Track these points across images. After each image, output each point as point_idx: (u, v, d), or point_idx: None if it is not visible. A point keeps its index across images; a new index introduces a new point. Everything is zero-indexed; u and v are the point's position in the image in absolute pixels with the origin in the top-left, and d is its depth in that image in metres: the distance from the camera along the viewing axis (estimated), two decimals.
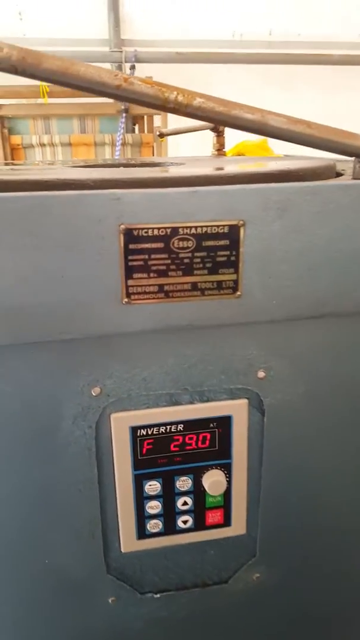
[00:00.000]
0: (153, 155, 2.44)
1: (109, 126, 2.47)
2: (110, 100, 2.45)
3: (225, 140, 1.06)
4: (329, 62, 2.50)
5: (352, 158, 0.48)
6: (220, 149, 1.04)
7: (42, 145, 2.44)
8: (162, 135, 1.02)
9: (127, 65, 2.37)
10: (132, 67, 2.36)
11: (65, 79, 0.43)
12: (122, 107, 2.33)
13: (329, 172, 0.58)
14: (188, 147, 2.31)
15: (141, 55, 2.36)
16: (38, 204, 0.38)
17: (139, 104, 0.45)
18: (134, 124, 2.53)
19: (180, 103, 0.44)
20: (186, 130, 0.99)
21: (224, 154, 1.05)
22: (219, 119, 0.46)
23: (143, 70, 2.38)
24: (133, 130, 2.49)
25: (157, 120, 2.43)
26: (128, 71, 2.37)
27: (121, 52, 2.35)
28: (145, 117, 2.44)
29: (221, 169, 0.59)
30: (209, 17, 2.43)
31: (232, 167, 0.59)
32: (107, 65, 2.45)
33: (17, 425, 0.45)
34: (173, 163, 0.75)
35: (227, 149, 1.09)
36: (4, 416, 0.44)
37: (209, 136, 1.12)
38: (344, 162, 0.63)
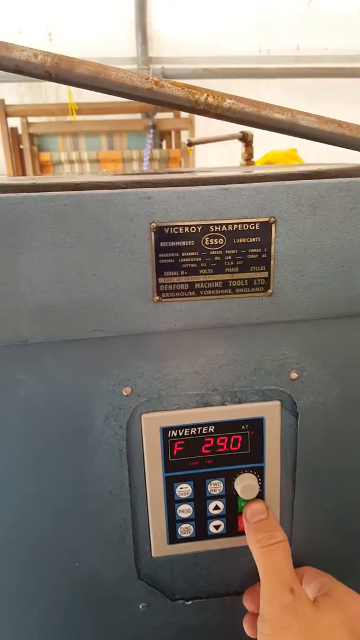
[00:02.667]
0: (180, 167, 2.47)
1: (136, 142, 2.52)
2: (138, 117, 2.51)
3: (253, 150, 1.07)
4: (357, 75, 2.49)
5: None
6: (249, 159, 1.04)
7: (71, 161, 2.51)
8: (190, 144, 1.03)
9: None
10: None
11: (97, 84, 0.44)
12: (150, 123, 2.38)
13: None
14: (216, 160, 2.33)
15: (168, 72, 2.42)
16: (71, 202, 0.39)
17: (170, 107, 0.46)
18: (162, 140, 2.58)
19: (211, 104, 0.45)
20: (214, 140, 1.00)
21: (253, 164, 1.05)
22: (249, 120, 0.46)
23: None
24: (160, 146, 2.54)
25: (185, 135, 2.47)
26: None
27: (149, 69, 2.41)
28: (173, 132, 2.49)
29: (250, 172, 0.59)
30: (235, 33, 2.47)
31: (262, 170, 0.59)
32: None
33: (49, 424, 0.45)
34: (202, 171, 0.76)
35: (255, 158, 1.10)
36: (36, 413, 0.45)
37: (237, 148, 1.13)
38: None
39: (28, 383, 0.44)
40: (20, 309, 0.40)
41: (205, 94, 0.45)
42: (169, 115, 2.46)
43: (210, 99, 0.45)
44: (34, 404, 0.44)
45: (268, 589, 0.43)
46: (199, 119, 2.41)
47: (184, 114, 2.48)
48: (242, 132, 1.01)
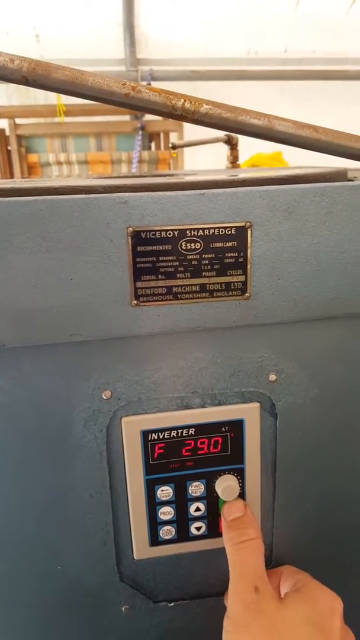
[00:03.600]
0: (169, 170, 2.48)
1: (125, 144, 2.52)
2: (127, 118, 2.51)
3: (239, 152, 1.07)
4: (345, 78, 2.52)
5: None
6: (234, 162, 1.05)
7: (59, 163, 2.50)
8: (174, 147, 1.04)
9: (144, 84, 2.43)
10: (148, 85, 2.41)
11: (74, 89, 0.44)
12: (139, 124, 2.39)
13: (340, 178, 0.58)
14: (204, 162, 2.34)
15: (157, 73, 2.42)
16: (47, 207, 0.39)
17: (148, 112, 0.46)
18: (151, 141, 2.58)
19: (188, 110, 0.45)
20: (198, 143, 1.00)
21: (238, 166, 1.06)
22: (226, 125, 0.46)
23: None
24: (149, 148, 2.54)
25: (174, 136, 2.48)
26: None
27: (137, 71, 2.41)
28: (162, 133, 2.49)
29: (232, 176, 0.60)
30: (224, 36, 2.48)
31: (241, 174, 0.60)
32: None
33: (28, 429, 0.45)
34: (185, 174, 0.76)
35: (241, 161, 1.10)
36: (15, 418, 0.45)
37: (224, 150, 1.14)
38: (356, 170, 0.64)
39: (6, 388, 0.44)
40: None
41: (182, 100, 0.45)
42: (158, 117, 2.46)
43: (187, 104, 0.45)
44: (12, 409, 0.44)
45: (233, 587, 0.43)
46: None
47: None
48: (227, 135, 1.02)
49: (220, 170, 0.90)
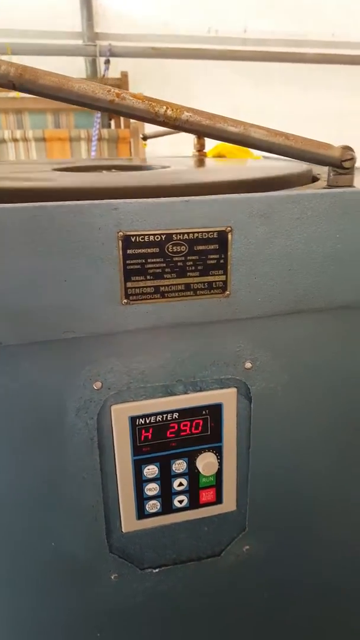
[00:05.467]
0: (130, 151, 2.45)
1: (84, 121, 2.46)
2: None
3: (205, 141, 1.10)
4: (303, 60, 2.55)
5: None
6: (200, 150, 1.07)
7: (15, 140, 2.42)
8: (145, 138, 1.05)
9: (102, 60, 2.37)
10: (107, 62, 2.36)
11: (60, 94, 0.46)
12: None
13: (307, 178, 0.63)
14: (166, 145, 2.34)
15: (116, 49, 2.37)
16: (42, 213, 0.41)
17: (131, 118, 0.49)
18: (110, 119, 2.54)
19: (170, 117, 0.48)
20: (168, 132, 1.02)
21: (205, 155, 1.08)
22: (205, 132, 0.50)
23: (118, 65, 2.39)
24: (109, 126, 2.50)
25: None
26: (102, 65, 2.37)
27: (95, 45, 2.35)
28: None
29: (211, 175, 0.63)
30: (184, 12, 2.44)
31: (219, 174, 0.63)
32: (81, 59, 2.44)
33: (25, 420, 0.48)
34: (162, 165, 0.78)
35: (207, 149, 1.13)
36: (12, 411, 0.48)
37: (187, 135, 1.15)
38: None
39: (2, 382, 0.46)
40: None
41: (165, 107, 0.48)
42: None
43: (169, 112, 0.48)
44: (7, 401, 0.47)
45: None
46: None
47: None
48: None
49: (190, 162, 0.93)
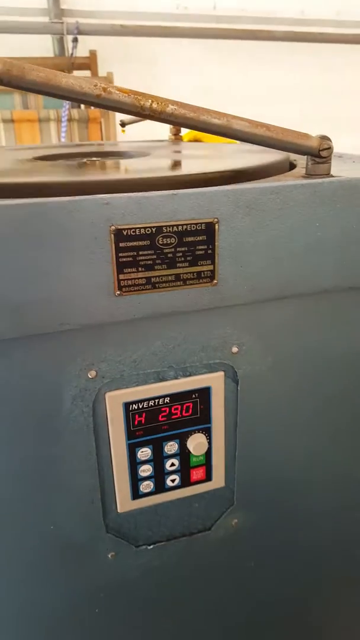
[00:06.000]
0: (101, 133, 2.41)
1: (53, 101, 2.40)
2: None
3: None
4: (272, 38, 2.54)
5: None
6: (177, 134, 1.08)
7: None
8: (123, 125, 1.04)
9: (70, 38, 2.31)
10: (75, 40, 2.30)
11: (48, 90, 0.46)
12: None
13: (286, 165, 0.65)
14: (136, 126, 2.31)
15: (83, 27, 2.30)
16: (37, 210, 0.42)
17: (118, 111, 0.49)
18: None
19: (155, 110, 0.49)
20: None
21: (181, 139, 1.09)
22: (189, 124, 0.51)
23: (86, 44, 2.33)
24: (79, 106, 2.44)
25: None
26: (70, 44, 2.31)
27: (62, 23, 2.28)
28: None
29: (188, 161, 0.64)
30: None
31: (204, 164, 0.64)
32: (48, 37, 2.37)
33: (23, 409, 0.50)
34: (139, 154, 0.79)
35: (182, 132, 1.13)
36: (9, 402, 0.49)
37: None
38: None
39: (0, 375, 0.47)
40: None
41: (150, 100, 0.49)
42: (87, 73, 2.36)
43: (154, 105, 0.49)
44: (8, 392, 0.48)
45: None
46: (117, 78, 2.34)
47: (102, 72, 2.39)
48: None
49: (167, 147, 0.93)
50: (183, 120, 0.50)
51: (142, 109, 0.49)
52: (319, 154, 0.55)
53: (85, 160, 0.76)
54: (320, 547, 0.72)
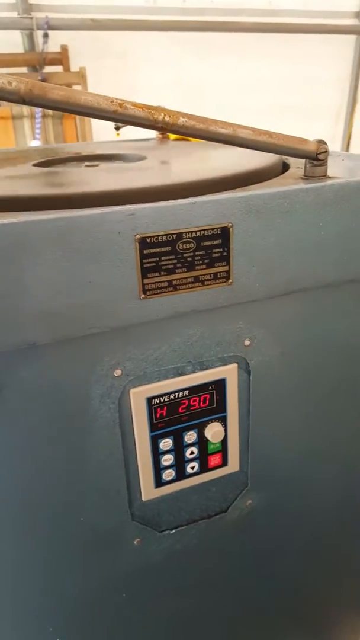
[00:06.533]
0: (76, 130, 2.40)
1: None
2: (25, 70, 2.36)
3: None
4: (241, 29, 2.57)
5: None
6: (163, 133, 1.10)
7: None
8: (118, 127, 1.06)
9: (40, 33, 2.28)
10: (45, 35, 2.27)
11: (68, 107, 0.49)
12: (39, 77, 2.26)
13: (280, 166, 0.69)
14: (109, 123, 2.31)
15: (54, 22, 2.28)
16: (68, 223, 0.45)
17: (133, 125, 0.52)
18: None
19: (167, 122, 0.52)
20: None
21: (168, 137, 1.11)
22: (199, 135, 0.54)
23: (57, 38, 2.31)
24: None
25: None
26: (41, 39, 2.28)
27: (31, 18, 2.25)
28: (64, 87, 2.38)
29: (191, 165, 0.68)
30: None
31: (211, 168, 0.67)
32: (18, 33, 2.33)
33: (55, 409, 0.53)
34: (136, 157, 0.82)
35: None
36: (44, 402, 0.52)
37: None
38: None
39: (30, 378, 0.50)
40: (27, 318, 0.46)
41: (163, 114, 0.52)
42: (59, 68, 2.34)
43: (167, 118, 0.52)
44: (41, 395, 0.51)
45: None
46: (90, 73, 2.34)
47: (75, 67, 2.38)
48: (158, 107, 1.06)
49: (159, 147, 0.96)
50: (193, 131, 0.54)
51: (155, 122, 0.52)
52: (317, 157, 0.59)
53: (84, 164, 0.78)
54: (330, 522, 0.78)
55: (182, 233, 0.49)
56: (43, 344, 0.48)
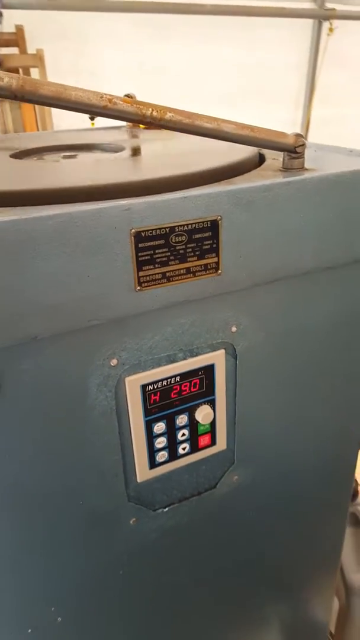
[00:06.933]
0: (36, 116, 2.34)
1: None
2: None
3: None
4: (201, 12, 2.56)
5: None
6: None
7: None
8: (93, 117, 1.05)
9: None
10: None
11: (59, 102, 0.50)
12: None
13: (257, 158, 0.72)
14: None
15: (8, 0, 2.19)
16: (67, 219, 0.46)
17: (123, 120, 0.53)
18: None
19: (155, 117, 0.54)
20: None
21: (138, 126, 1.12)
22: (185, 129, 0.56)
23: (12, 18, 2.23)
24: None
25: (35, 72, 2.32)
26: None
27: None
28: (21, 70, 2.31)
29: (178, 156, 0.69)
30: None
31: (196, 161, 0.69)
32: None
33: (55, 399, 0.54)
34: (113, 146, 0.82)
35: None
36: (44, 393, 0.53)
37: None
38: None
39: (30, 371, 0.51)
40: (29, 313, 0.48)
41: (151, 109, 0.54)
42: (15, 50, 2.26)
43: (154, 113, 0.54)
44: (36, 385, 0.52)
45: None
46: (49, 55, 2.27)
47: (32, 50, 2.31)
48: (127, 95, 1.06)
49: (133, 135, 0.97)
50: (179, 126, 0.56)
51: (144, 117, 0.54)
52: (295, 150, 0.62)
53: (61, 155, 0.78)
54: (309, 494, 0.84)
55: (174, 226, 0.51)
56: (44, 337, 0.50)
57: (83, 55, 2.37)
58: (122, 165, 0.67)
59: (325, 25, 3.05)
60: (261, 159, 0.74)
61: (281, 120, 3.23)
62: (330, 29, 3.07)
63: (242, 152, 0.68)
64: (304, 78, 3.23)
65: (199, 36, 2.66)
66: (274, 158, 0.73)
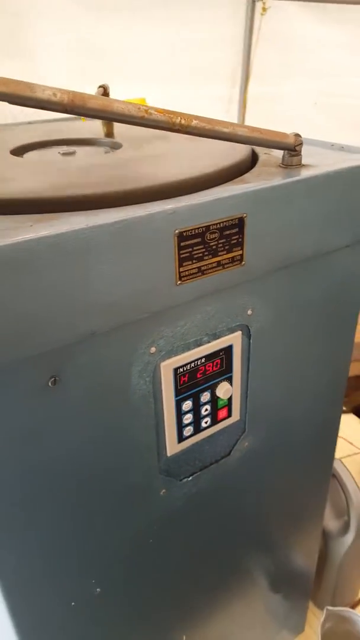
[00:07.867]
0: None
1: None
2: None
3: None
4: None
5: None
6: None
7: None
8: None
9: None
10: None
11: (104, 114, 0.54)
12: None
13: (252, 156, 0.79)
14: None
15: None
16: (124, 225, 0.50)
17: (156, 128, 0.58)
18: None
19: (183, 124, 0.59)
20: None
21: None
22: (207, 134, 0.61)
23: None
24: None
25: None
26: None
27: None
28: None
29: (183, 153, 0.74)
30: None
31: (206, 157, 0.74)
32: None
33: (103, 386, 0.59)
34: (108, 142, 0.85)
35: None
36: (93, 382, 0.58)
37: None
38: None
39: (83, 362, 0.56)
40: (91, 312, 0.52)
41: (179, 117, 0.58)
42: None
43: (182, 121, 0.59)
44: (87, 375, 0.57)
45: None
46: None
47: None
48: (101, 86, 1.08)
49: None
50: (203, 132, 0.61)
51: (173, 125, 0.58)
52: (294, 148, 0.70)
53: (61, 148, 0.80)
54: (307, 456, 0.95)
55: (209, 225, 0.57)
56: (100, 333, 0.54)
57: (18, 32, 2.26)
58: (143, 164, 0.70)
59: (259, 5, 3.11)
60: (254, 155, 0.80)
61: (219, 97, 3.27)
62: (264, 9, 3.13)
63: (243, 150, 0.74)
64: (239, 56, 3.29)
65: (133, 16, 2.61)
66: (265, 152, 0.80)
